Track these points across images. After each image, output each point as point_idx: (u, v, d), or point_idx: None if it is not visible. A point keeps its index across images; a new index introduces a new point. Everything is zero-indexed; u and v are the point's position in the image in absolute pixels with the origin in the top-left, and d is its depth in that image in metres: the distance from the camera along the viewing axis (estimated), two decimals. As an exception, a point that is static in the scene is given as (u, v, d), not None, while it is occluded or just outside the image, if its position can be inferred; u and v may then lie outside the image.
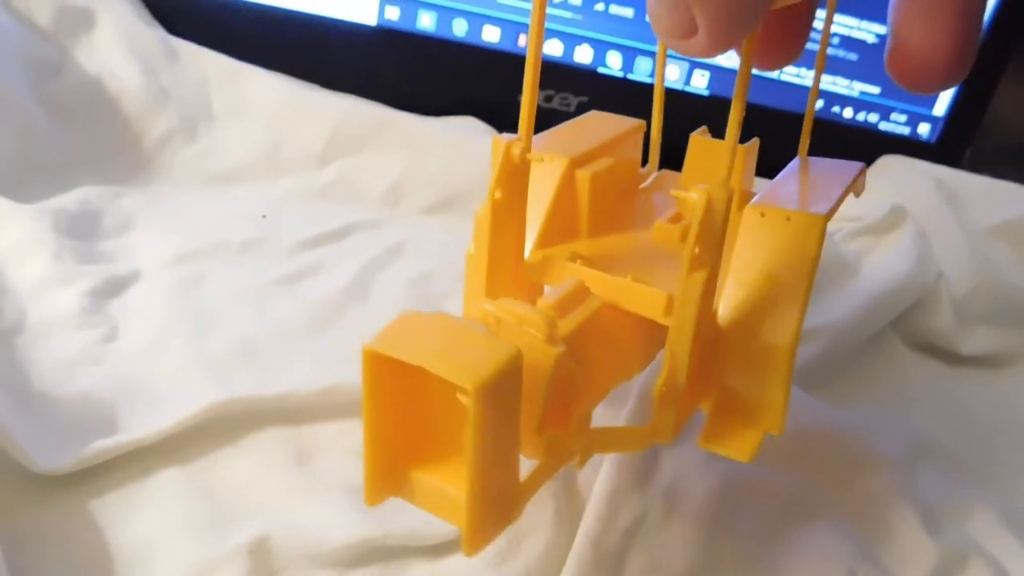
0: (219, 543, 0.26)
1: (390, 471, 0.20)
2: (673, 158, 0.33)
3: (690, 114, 0.32)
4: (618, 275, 0.25)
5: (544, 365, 0.20)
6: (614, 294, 0.25)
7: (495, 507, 0.20)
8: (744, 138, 0.29)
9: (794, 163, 0.30)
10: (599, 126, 0.31)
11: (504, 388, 0.18)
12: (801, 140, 0.30)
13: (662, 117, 0.31)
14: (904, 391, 0.40)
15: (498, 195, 0.24)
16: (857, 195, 0.29)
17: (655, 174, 0.33)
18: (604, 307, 0.24)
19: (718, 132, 0.30)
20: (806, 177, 0.29)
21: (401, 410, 0.20)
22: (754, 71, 0.24)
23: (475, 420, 0.17)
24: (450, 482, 0.20)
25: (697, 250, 0.22)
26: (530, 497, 0.22)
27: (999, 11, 0.50)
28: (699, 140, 0.31)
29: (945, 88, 0.21)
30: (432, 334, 0.18)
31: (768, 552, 0.30)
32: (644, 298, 0.24)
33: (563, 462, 0.23)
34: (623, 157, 0.31)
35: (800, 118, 0.31)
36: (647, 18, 0.19)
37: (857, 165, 0.30)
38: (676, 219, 0.27)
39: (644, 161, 0.33)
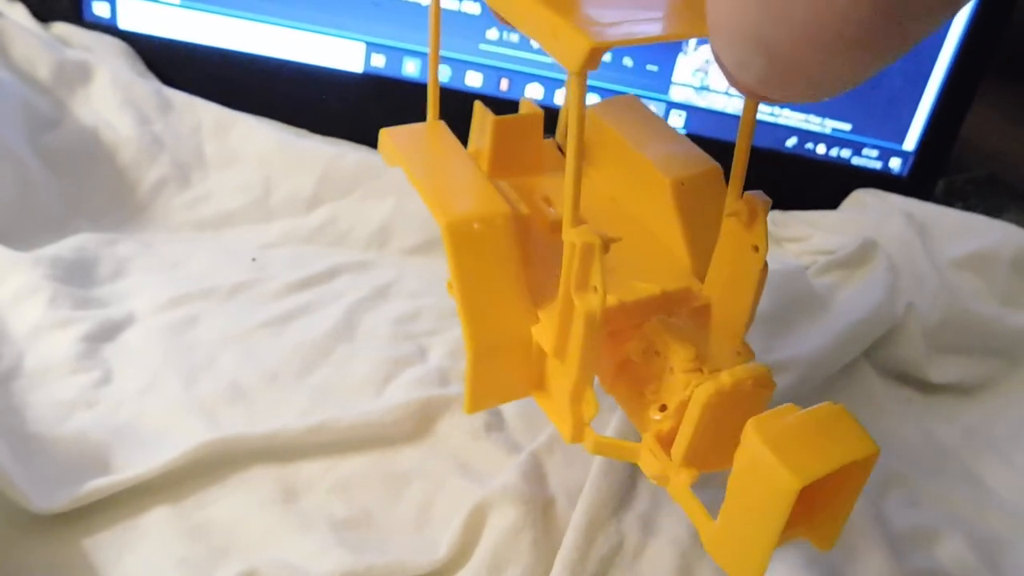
0: (208, 578, 0.27)
1: None
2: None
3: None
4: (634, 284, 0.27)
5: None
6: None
7: None
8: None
9: (610, 114, 0.33)
10: (444, 141, 0.31)
11: None
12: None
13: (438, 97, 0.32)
14: (876, 418, 0.41)
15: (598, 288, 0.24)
16: None
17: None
18: None
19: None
20: (645, 127, 0.31)
21: None
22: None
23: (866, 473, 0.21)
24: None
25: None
26: None
27: (965, 46, 0.52)
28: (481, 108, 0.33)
29: None
30: (806, 432, 0.21)
31: (740, 578, 0.31)
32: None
33: None
34: None
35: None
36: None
37: (631, 97, 0.33)
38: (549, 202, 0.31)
39: None
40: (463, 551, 0.30)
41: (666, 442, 0.25)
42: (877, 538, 0.32)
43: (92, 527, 0.29)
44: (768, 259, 0.26)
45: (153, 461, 0.30)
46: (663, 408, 0.26)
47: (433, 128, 0.31)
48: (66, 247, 0.41)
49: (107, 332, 0.37)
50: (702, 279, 0.29)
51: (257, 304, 0.41)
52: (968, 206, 0.56)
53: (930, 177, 0.56)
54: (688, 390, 0.25)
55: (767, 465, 0.20)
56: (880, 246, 0.48)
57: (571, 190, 0.23)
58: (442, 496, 0.32)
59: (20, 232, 0.41)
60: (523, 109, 0.34)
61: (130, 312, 0.38)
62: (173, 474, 0.30)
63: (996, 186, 0.60)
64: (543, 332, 0.26)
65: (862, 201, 0.54)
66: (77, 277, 0.39)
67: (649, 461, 0.25)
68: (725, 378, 0.23)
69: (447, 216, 0.26)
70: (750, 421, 0.21)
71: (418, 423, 0.35)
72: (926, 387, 0.44)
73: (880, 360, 0.44)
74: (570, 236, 0.23)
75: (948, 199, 0.58)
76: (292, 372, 0.37)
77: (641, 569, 0.31)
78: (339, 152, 0.49)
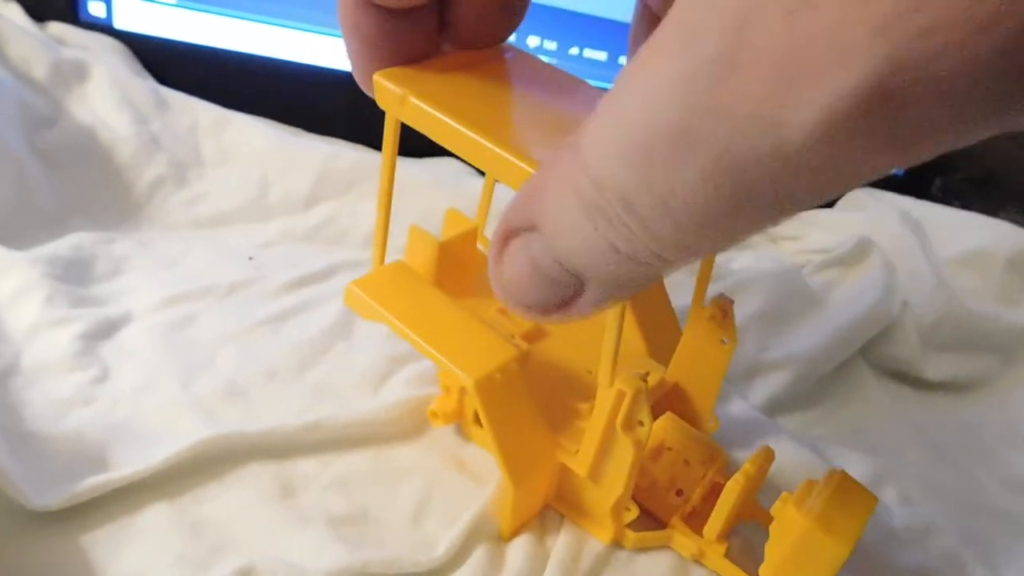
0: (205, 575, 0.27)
1: None
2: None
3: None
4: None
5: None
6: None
7: None
8: None
9: None
10: (415, 286, 0.32)
11: None
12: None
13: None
14: (871, 416, 0.41)
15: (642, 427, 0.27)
16: None
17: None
18: None
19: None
20: None
21: None
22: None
23: None
24: None
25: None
26: None
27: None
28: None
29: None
30: (834, 504, 0.26)
31: (736, 575, 0.31)
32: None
33: None
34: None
35: None
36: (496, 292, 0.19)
37: None
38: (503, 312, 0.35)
39: None
40: (460, 550, 0.30)
41: (692, 522, 0.30)
42: (871, 534, 0.33)
43: (89, 524, 0.29)
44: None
45: (150, 458, 0.30)
46: (679, 493, 0.31)
47: (397, 272, 0.32)
48: (63, 246, 0.41)
49: (104, 330, 0.37)
50: (657, 358, 0.34)
51: (255, 302, 0.41)
52: (965, 204, 0.57)
53: (926, 175, 0.57)
54: (707, 479, 0.30)
55: (820, 541, 0.25)
56: (876, 244, 0.48)
57: (610, 355, 0.26)
58: (439, 493, 0.32)
59: (17, 231, 0.41)
60: (452, 223, 0.36)
61: (127, 310, 0.38)
62: (170, 471, 0.30)
63: (993, 185, 0.60)
64: (575, 459, 0.29)
65: (858, 199, 0.54)
66: (74, 275, 0.39)
67: (684, 543, 0.30)
68: (749, 468, 0.28)
69: (472, 375, 0.28)
70: (791, 505, 0.26)
71: (415, 421, 0.35)
72: (921, 385, 0.44)
73: (876, 358, 0.44)
74: (618, 387, 0.26)
75: (945, 197, 0.58)
76: (290, 370, 0.37)
77: (635, 569, 0.31)
78: (336, 151, 0.49)
